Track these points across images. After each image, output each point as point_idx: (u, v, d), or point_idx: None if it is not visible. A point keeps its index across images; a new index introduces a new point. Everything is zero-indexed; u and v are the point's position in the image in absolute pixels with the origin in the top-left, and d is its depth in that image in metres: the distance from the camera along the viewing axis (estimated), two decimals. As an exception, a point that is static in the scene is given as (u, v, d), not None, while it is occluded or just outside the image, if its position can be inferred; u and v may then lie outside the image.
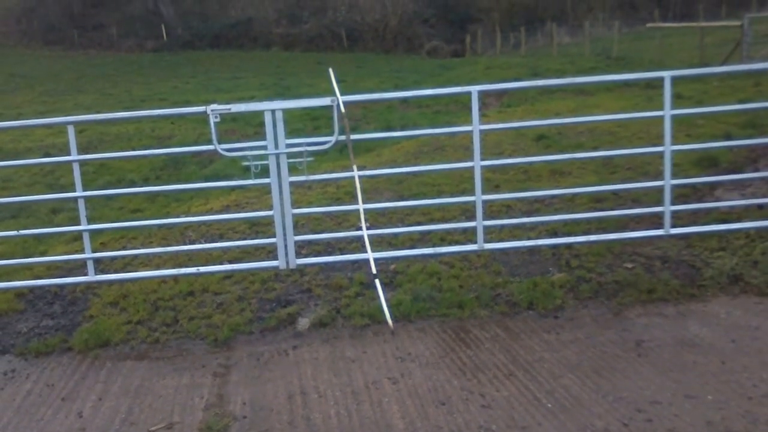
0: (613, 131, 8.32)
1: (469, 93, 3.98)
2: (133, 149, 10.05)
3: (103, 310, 4.38)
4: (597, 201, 5.65)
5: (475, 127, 4.00)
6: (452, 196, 5.87)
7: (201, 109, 3.93)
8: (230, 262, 4.94)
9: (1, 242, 5.73)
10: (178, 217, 6.22)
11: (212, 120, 3.87)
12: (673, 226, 4.24)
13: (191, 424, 3.07)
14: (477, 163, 4.06)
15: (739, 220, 4.84)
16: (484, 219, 4.16)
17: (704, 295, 4.01)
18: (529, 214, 5.55)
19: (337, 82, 4.10)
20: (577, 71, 16.62)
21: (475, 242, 4.21)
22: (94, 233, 4.85)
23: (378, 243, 4.87)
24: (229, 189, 7.01)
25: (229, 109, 3.91)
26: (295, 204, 4.34)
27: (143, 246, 5.56)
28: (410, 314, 3.99)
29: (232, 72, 26.92)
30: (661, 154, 4.13)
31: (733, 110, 7.41)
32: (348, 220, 5.68)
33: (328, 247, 5.13)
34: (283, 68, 28.00)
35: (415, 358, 3.50)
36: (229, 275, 4.70)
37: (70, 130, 4.05)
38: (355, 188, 3.94)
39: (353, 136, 4.07)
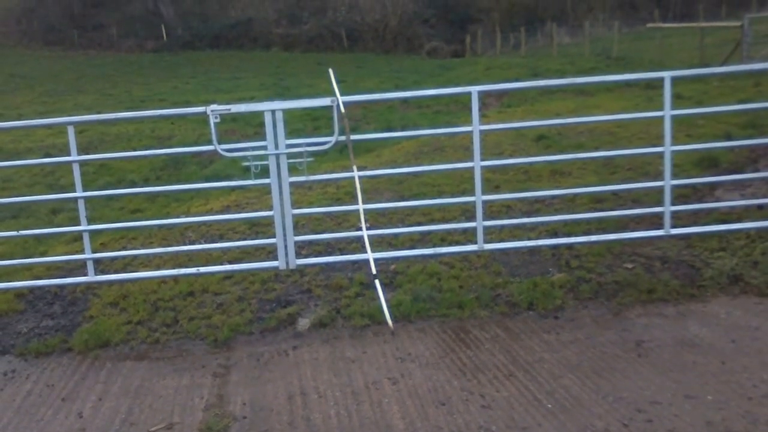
0: (614, 131, 8.32)
1: (469, 93, 3.98)
2: (134, 149, 10.06)
3: (103, 310, 4.38)
4: (597, 201, 5.65)
5: (475, 127, 4.01)
6: (452, 196, 5.87)
7: (201, 109, 3.93)
8: (230, 262, 4.94)
9: (1, 242, 5.73)
10: (178, 217, 6.22)
11: (212, 120, 3.87)
12: (673, 226, 4.24)
13: (191, 424, 3.07)
14: (477, 164, 4.06)
15: (739, 220, 4.84)
16: (484, 219, 4.16)
17: (704, 295, 4.01)
18: (529, 214, 5.55)
19: (337, 82, 4.10)
20: (577, 71, 16.63)
21: (475, 242, 4.21)
22: (94, 233, 4.85)
23: (378, 243, 4.87)
24: (229, 189, 7.02)
25: (229, 110, 3.91)
26: (295, 204, 4.34)
27: (143, 246, 5.56)
28: (410, 314, 3.99)
29: (232, 72, 26.94)
30: (661, 155, 4.13)
31: (733, 110, 7.41)
32: (348, 221, 5.68)
33: (328, 248, 5.13)
34: (283, 68, 28.02)
35: (415, 359, 3.50)
36: (229, 275, 4.70)
37: (70, 130, 4.05)
38: (355, 188, 3.94)
39: (353, 137, 4.07)
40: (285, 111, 3.95)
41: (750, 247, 4.49)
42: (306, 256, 4.83)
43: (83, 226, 4.19)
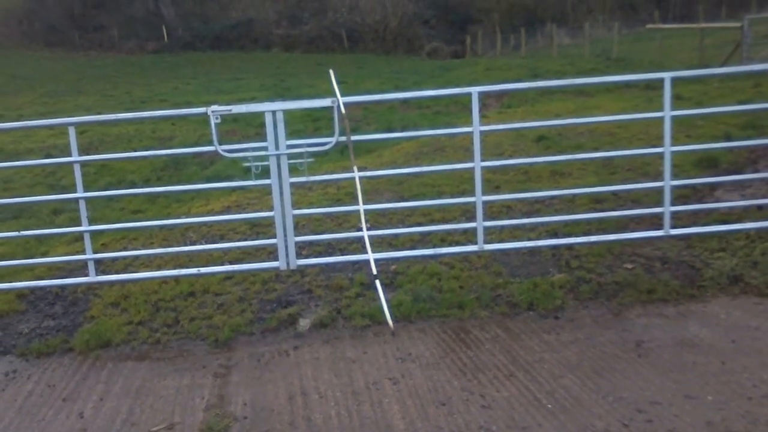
0: (613, 132, 8.33)
1: (469, 94, 3.99)
2: (134, 150, 10.07)
3: (104, 310, 4.39)
4: (597, 202, 5.66)
5: (476, 128, 4.01)
6: (452, 196, 5.88)
7: (202, 110, 3.94)
8: (231, 262, 4.95)
9: (2, 243, 5.74)
10: (179, 217, 6.23)
11: (213, 121, 3.88)
12: (673, 226, 4.24)
13: (192, 424, 3.08)
14: (477, 164, 4.07)
15: (739, 220, 4.84)
16: (484, 220, 4.17)
17: (704, 295, 4.01)
18: (529, 214, 5.56)
19: (338, 83, 4.11)
20: (577, 72, 16.65)
21: (476, 243, 4.21)
22: (95, 234, 4.85)
23: (378, 244, 4.88)
24: (230, 190, 7.02)
25: (230, 110, 3.92)
26: (296, 205, 4.35)
27: (144, 247, 5.57)
28: (411, 315, 4.00)
29: (232, 73, 26.96)
30: (661, 155, 4.14)
31: (732, 111, 7.40)
32: (348, 221, 5.68)
33: (329, 248, 5.13)
34: (284, 69, 28.04)
35: (415, 359, 3.51)
36: (229, 276, 4.70)
37: (71, 131, 4.06)
38: (356, 189, 3.95)
39: (354, 137, 4.08)
40: (285, 112, 3.96)
41: (750, 248, 4.50)
42: (306, 257, 4.84)
43: (84, 227, 4.20)
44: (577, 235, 4.74)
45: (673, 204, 4.21)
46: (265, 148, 3.97)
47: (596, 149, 7.41)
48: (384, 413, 3.04)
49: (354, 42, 38.37)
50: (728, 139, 7.25)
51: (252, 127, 11.10)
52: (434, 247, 4.81)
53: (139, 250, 5.38)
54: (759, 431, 2.74)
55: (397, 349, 3.64)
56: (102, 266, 5.06)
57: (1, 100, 20.42)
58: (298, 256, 4.22)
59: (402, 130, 9.44)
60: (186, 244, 5.51)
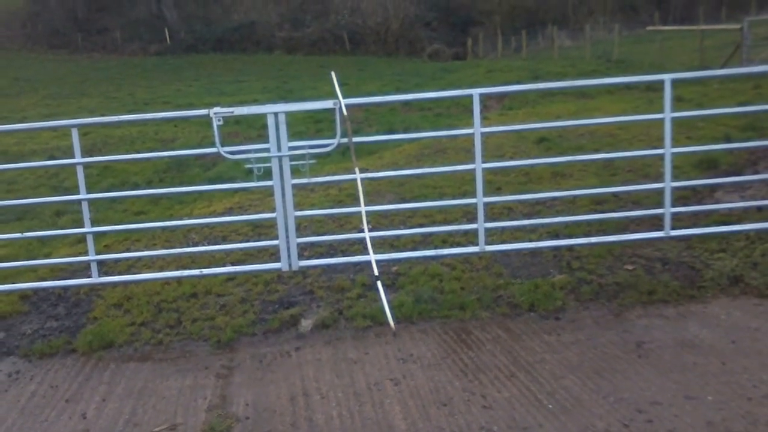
0: (614, 134, 8.33)
1: (470, 96, 4.01)
2: (137, 152, 10.11)
3: (106, 311, 4.41)
4: (598, 203, 5.67)
5: (477, 129, 4.03)
6: (454, 198, 5.90)
7: (204, 112, 3.97)
8: (233, 264, 4.97)
9: (5, 244, 5.76)
10: (181, 219, 6.26)
11: (215, 123, 3.90)
12: (674, 227, 4.25)
13: (194, 425, 3.09)
14: (478, 166, 4.08)
15: (739, 221, 4.85)
16: (485, 221, 4.18)
17: (704, 296, 4.02)
18: (530, 216, 5.57)
19: (340, 85, 4.13)
20: (577, 74, 16.67)
21: (477, 244, 4.23)
22: (97, 235, 4.87)
23: (380, 245, 4.89)
24: (232, 191, 7.04)
25: (232, 112, 3.94)
26: (298, 206, 4.36)
27: (147, 248, 5.58)
28: (412, 316, 4.01)
29: (235, 75, 27.01)
30: (661, 157, 4.15)
31: (732, 113, 7.38)
32: (350, 222, 5.70)
33: (331, 249, 5.15)
34: (286, 71, 28.10)
35: (416, 360, 3.52)
36: (232, 277, 4.72)
37: (74, 133, 4.08)
38: (357, 190, 3.97)
39: (355, 139, 4.10)
40: (288, 113, 3.98)
41: (750, 249, 4.51)
42: (308, 258, 4.85)
43: (87, 228, 4.22)
44: (577, 237, 4.75)
45: (673, 205, 4.22)
46: (267, 150, 3.99)
47: (597, 151, 7.42)
48: (385, 414, 3.05)
49: (356, 44, 38.42)
50: (728, 140, 7.25)
51: (254, 129, 11.12)
52: (435, 248, 4.82)
53: (142, 251, 5.39)
54: (759, 431, 2.75)
55: (399, 349, 3.66)
56: (105, 267, 5.08)
57: (5, 102, 20.49)
58: (300, 257, 4.24)
59: (403, 132, 9.46)
60: (188, 246, 5.53)
